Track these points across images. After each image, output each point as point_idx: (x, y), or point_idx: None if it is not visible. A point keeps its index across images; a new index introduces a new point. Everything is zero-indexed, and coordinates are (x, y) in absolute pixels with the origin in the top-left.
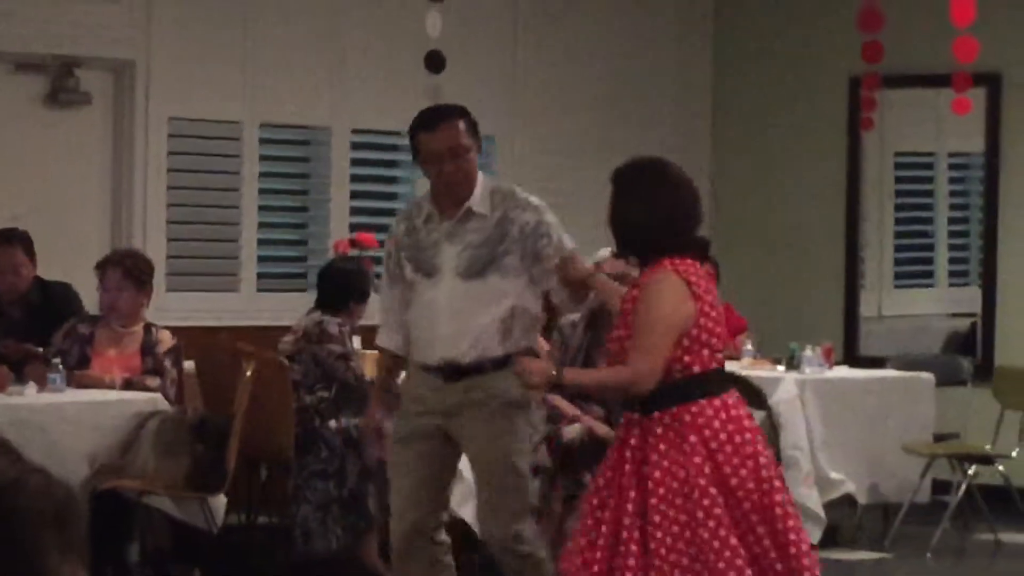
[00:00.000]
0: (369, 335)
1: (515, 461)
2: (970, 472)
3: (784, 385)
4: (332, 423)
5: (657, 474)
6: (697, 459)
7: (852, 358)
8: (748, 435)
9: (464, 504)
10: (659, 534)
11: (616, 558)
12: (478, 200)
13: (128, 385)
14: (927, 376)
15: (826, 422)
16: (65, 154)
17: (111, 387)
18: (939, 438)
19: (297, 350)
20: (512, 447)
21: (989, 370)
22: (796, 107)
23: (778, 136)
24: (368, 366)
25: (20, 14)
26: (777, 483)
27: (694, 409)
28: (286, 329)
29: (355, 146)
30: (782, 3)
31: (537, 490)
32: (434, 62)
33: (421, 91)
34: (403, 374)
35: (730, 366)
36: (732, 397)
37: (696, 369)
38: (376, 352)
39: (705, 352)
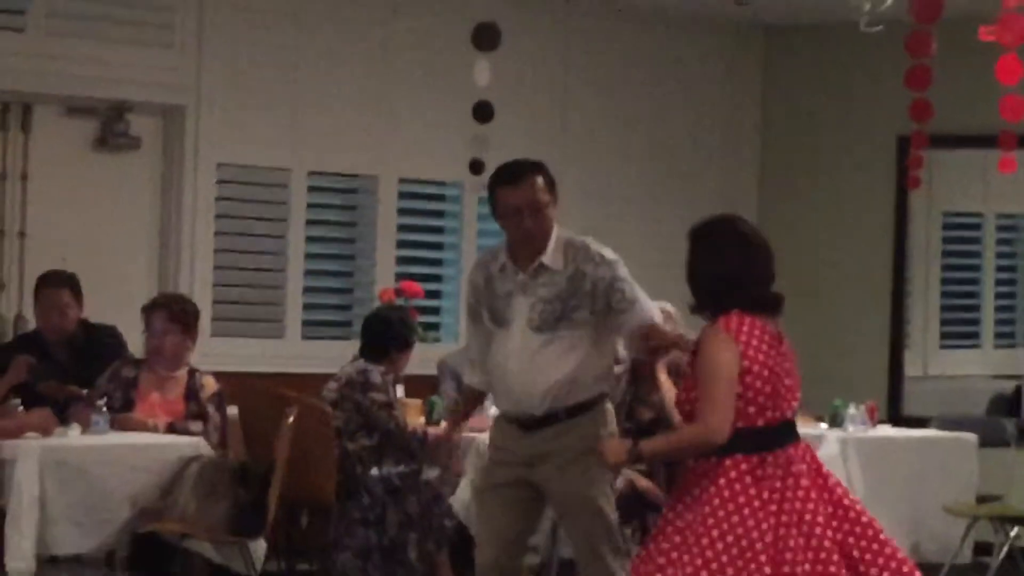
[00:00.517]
0: (413, 384)
1: (599, 505)
2: (1012, 534)
3: (827, 443)
4: (374, 471)
5: (706, 510)
6: (746, 511)
7: (896, 417)
8: (803, 493)
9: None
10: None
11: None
12: (550, 254)
13: (171, 429)
14: (970, 437)
15: (868, 481)
16: (114, 198)
17: (154, 431)
18: (981, 499)
19: (340, 397)
20: (591, 492)
21: None
22: (844, 166)
23: (825, 195)
24: (411, 415)
25: (71, 57)
26: (824, 554)
27: (753, 460)
28: (329, 376)
29: (402, 195)
30: (831, 62)
31: None
32: (482, 112)
33: (469, 141)
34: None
35: None
36: (797, 453)
37: (747, 424)
38: (419, 401)
39: (751, 409)
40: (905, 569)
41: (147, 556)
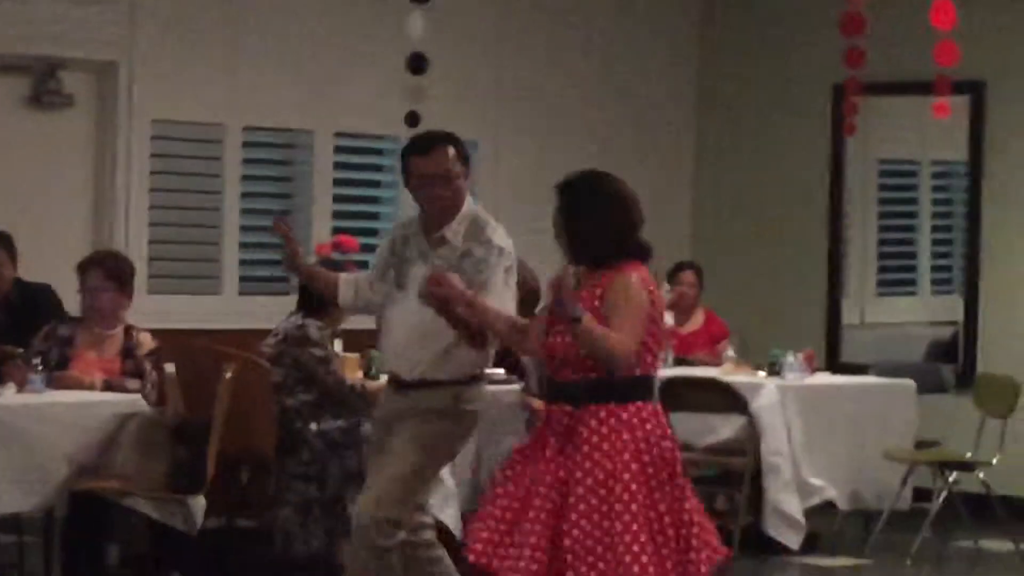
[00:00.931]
0: (351, 338)
1: (409, 453)
2: (951, 479)
3: (765, 391)
4: (313, 426)
5: (587, 464)
6: (626, 456)
7: (834, 365)
8: (669, 443)
9: (444, 509)
10: (575, 516)
11: (519, 535)
12: (453, 228)
13: (108, 387)
14: (908, 383)
15: (807, 428)
16: (47, 156)
17: (91, 389)
18: (920, 445)
19: (278, 353)
20: (413, 441)
21: (970, 378)
22: (779, 114)
23: (762, 143)
24: (349, 369)
25: (2, 15)
26: (688, 491)
27: (632, 409)
28: (268, 332)
29: (338, 149)
30: (766, 10)
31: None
32: (416, 64)
33: (404, 94)
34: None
35: (711, 372)
36: (659, 406)
37: (638, 372)
38: (358, 355)
39: (649, 357)
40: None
41: (85, 514)
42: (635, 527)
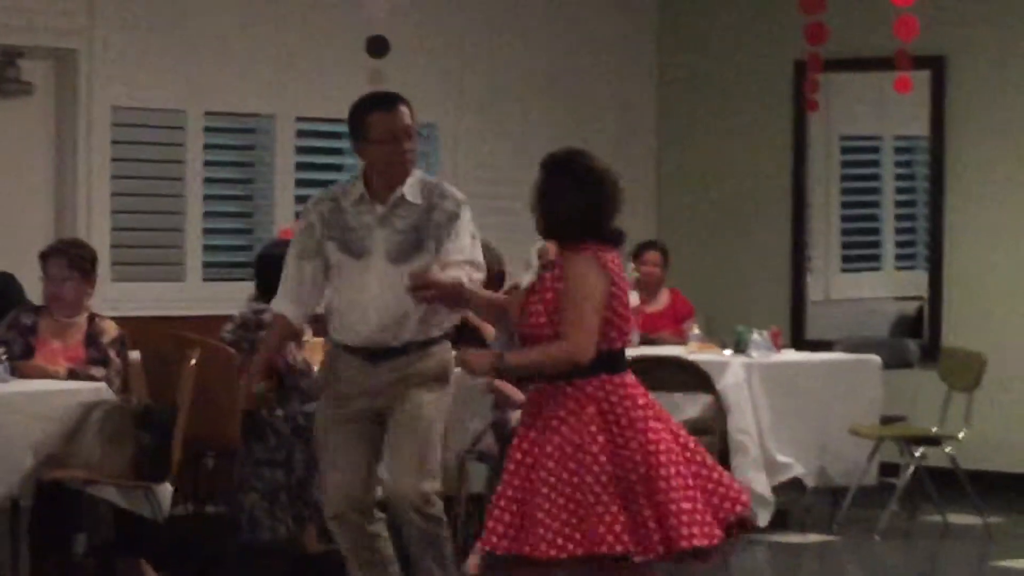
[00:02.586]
0: (318, 322)
1: (430, 422)
2: (917, 454)
3: (731, 369)
4: (279, 411)
5: (556, 439)
6: (592, 428)
7: (799, 342)
8: (641, 412)
9: None
10: (545, 490)
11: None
12: (409, 187)
13: (72, 375)
14: (874, 359)
15: (773, 406)
16: (7, 144)
17: (55, 377)
18: (886, 421)
19: (237, 339)
20: (427, 411)
21: (936, 352)
22: (741, 92)
23: (724, 121)
24: (316, 353)
25: None
26: (664, 458)
27: (595, 382)
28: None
29: (300, 133)
30: None
31: (484, 477)
32: (376, 47)
33: (365, 77)
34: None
35: (677, 350)
36: (630, 377)
37: (603, 347)
38: (324, 340)
39: (613, 333)
40: (732, 493)
41: (52, 504)
42: (605, 497)
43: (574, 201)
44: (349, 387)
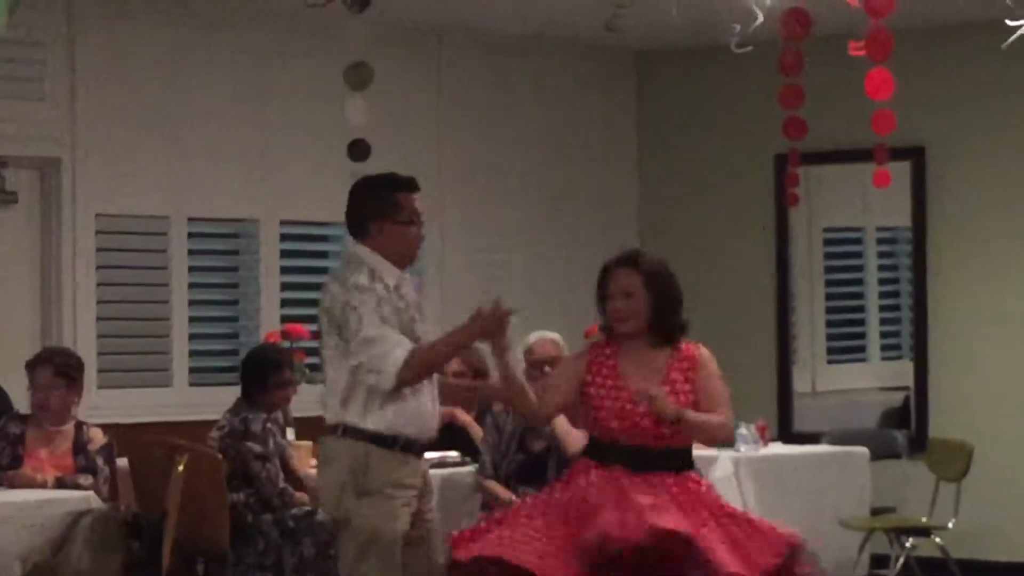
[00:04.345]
0: (304, 426)
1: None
2: (908, 545)
3: (719, 463)
4: (267, 515)
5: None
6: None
7: (787, 435)
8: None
9: None
10: None
11: None
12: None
13: (60, 484)
14: (862, 450)
15: (762, 499)
16: None
17: (43, 486)
18: (876, 512)
19: (223, 447)
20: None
21: (923, 442)
22: (722, 187)
23: (705, 217)
24: (303, 456)
25: None
26: None
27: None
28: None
29: (284, 237)
30: (705, 85)
31: None
32: (358, 151)
33: (347, 180)
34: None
35: None
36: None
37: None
38: (311, 443)
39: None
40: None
41: None
42: None
43: (679, 300)
44: (406, 494)
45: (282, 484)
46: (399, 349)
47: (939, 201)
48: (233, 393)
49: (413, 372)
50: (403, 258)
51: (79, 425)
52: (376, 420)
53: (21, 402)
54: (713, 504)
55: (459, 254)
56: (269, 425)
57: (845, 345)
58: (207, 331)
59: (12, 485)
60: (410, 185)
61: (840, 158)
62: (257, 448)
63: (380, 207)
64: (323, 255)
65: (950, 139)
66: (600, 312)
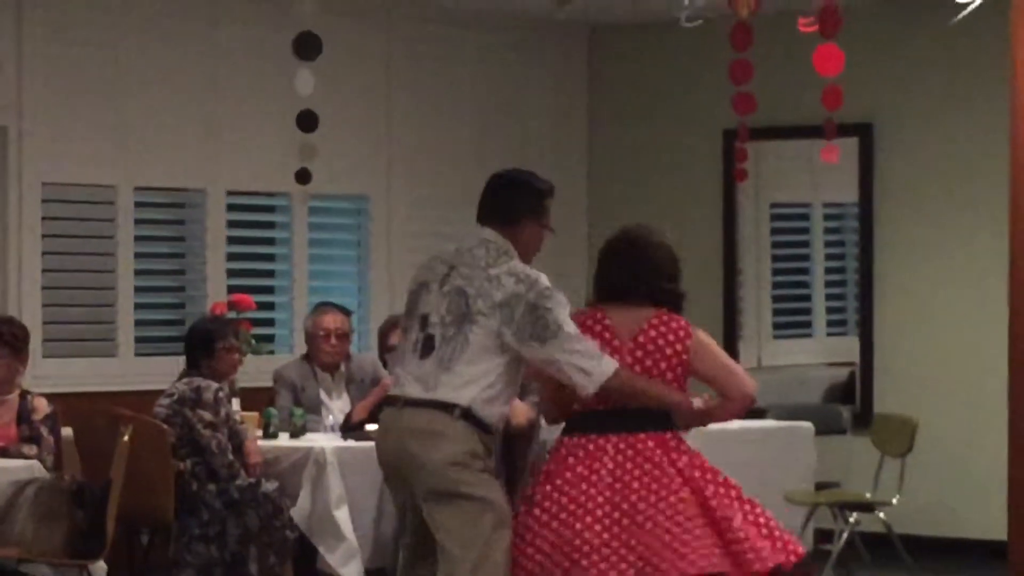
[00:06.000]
0: (248, 396)
1: None
2: (852, 520)
3: None
4: (212, 486)
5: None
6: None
7: None
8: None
9: (346, 564)
10: None
11: None
12: None
13: (4, 453)
14: (807, 425)
15: None
16: None
17: None
18: (820, 487)
19: (171, 414)
20: None
21: (868, 418)
22: (671, 162)
23: (654, 191)
24: (250, 426)
25: None
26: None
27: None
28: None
29: (231, 207)
30: (655, 59)
31: None
32: (306, 122)
33: (295, 151)
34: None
35: None
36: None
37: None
38: (256, 414)
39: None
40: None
41: None
42: None
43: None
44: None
45: (230, 456)
46: (607, 360)
47: (886, 178)
48: (178, 363)
49: (618, 384)
50: (527, 257)
51: (23, 394)
52: (490, 412)
53: None
54: (707, 469)
55: (405, 225)
56: (221, 394)
57: (791, 320)
58: (153, 301)
59: None
60: (552, 193)
61: (788, 134)
62: (207, 416)
63: (533, 206)
64: (270, 225)
65: (898, 116)
66: None
